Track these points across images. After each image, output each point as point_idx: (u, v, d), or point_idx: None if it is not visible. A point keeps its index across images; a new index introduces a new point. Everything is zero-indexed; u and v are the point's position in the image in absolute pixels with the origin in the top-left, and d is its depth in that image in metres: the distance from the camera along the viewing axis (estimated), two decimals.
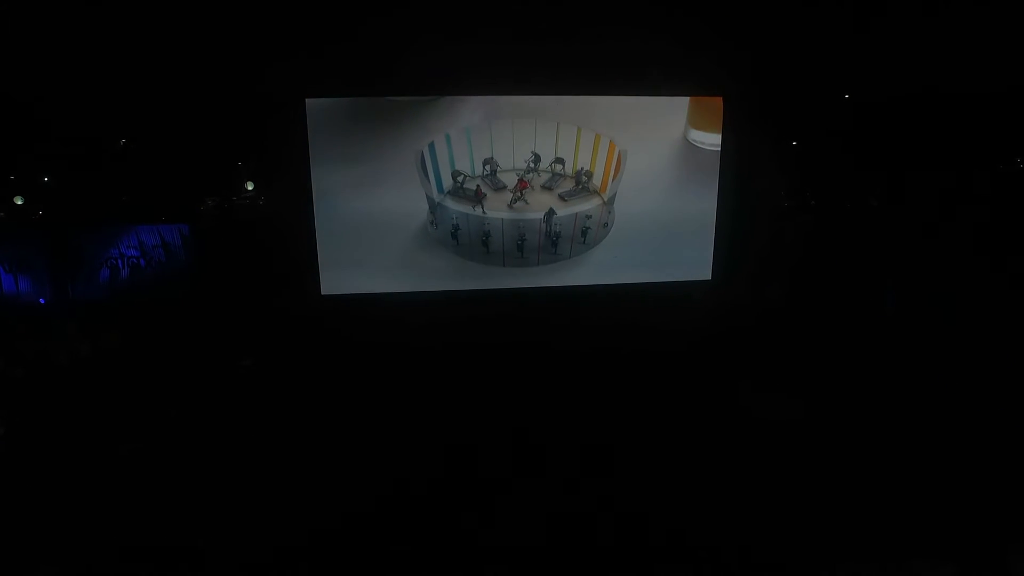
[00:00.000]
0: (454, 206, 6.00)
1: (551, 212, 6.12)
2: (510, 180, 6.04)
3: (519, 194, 6.05)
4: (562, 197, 6.14)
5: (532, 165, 6.04)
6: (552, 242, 6.20)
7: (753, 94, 5.71)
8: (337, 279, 5.94)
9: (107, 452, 5.12)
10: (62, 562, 3.98)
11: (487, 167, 6.00)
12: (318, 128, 5.49)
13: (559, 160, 6.03)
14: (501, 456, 4.87)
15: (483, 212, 6.04)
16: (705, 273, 6.44)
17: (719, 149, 5.99)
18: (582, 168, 6.08)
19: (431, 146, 5.75)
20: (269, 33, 5.30)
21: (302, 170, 5.44)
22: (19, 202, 15.58)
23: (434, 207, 5.95)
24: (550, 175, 6.08)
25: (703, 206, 6.25)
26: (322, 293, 5.91)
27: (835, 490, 4.40)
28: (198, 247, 8.51)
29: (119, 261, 9.59)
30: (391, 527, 4.19)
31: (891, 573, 3.85)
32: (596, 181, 6.15)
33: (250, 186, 8.05)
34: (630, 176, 6.12)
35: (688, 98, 5.85)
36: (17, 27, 5.86)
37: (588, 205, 6.18)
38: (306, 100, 5.42)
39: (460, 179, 5.99)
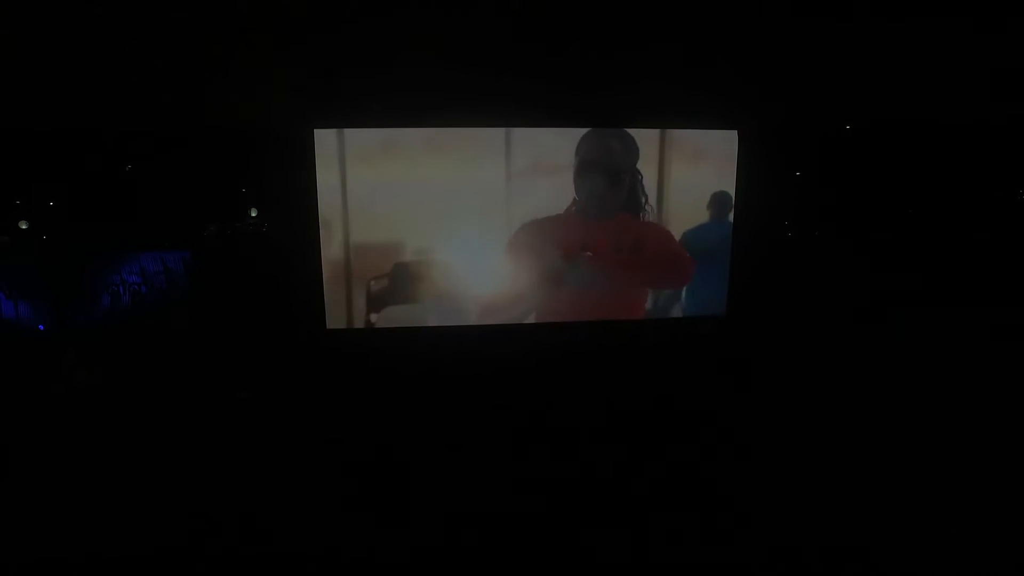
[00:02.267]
0: None
1: None
2: None
3: None
4: None
5: None
6: None
7: (768, 127, 5.63)
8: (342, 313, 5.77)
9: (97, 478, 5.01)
10: None
11: None
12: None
13: None
14: (501, 490, 4.74)
15: None
16: (719, 309, 6.28)
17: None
18: None
19: None
20: (278, 60, 5.25)
21: (310, 201, 5.33)
22: (24, 227, 15.65)
23: None
24: None
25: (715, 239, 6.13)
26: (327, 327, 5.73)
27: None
28: (200, 275, 8.42)
29: (120, 287, 9.51)
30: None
31: None
32: None
33: (253, 213, 8.00)
34: None
35: None
36: (22, 54, 5.84)
37: None
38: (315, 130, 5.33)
39: None
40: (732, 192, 5.78)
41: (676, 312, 6.15)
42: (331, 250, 5.64)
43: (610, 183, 5.55)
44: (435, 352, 5.82)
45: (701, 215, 5.94)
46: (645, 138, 5.61)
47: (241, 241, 7.98)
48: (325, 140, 5.31)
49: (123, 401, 6.88)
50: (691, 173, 5.68)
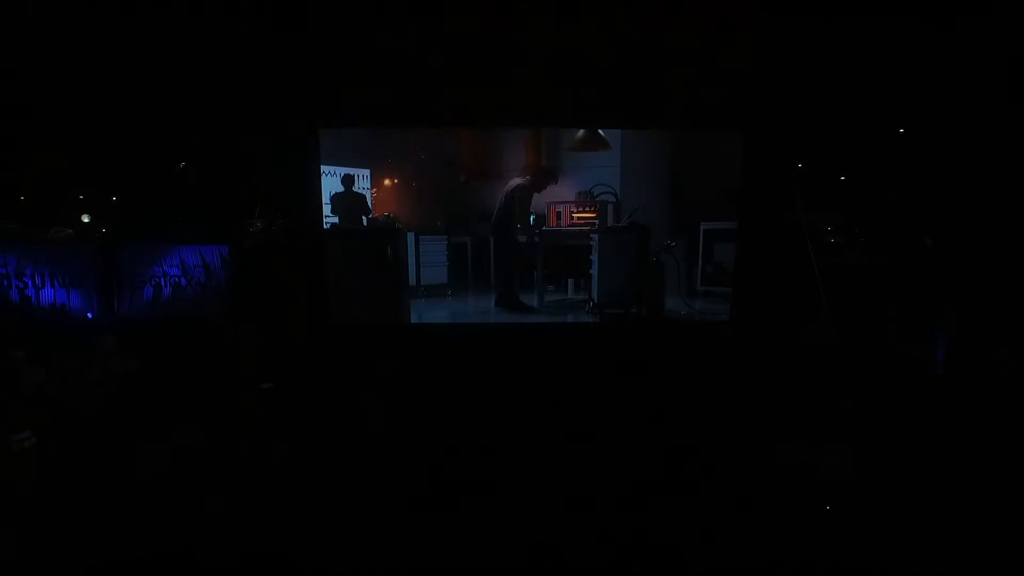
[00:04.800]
0: None
1: None
2: None
3: None
4: None
5: None
6: None
7: (773, 128, 5.50)
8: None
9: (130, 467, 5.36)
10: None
11: None
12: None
13: None
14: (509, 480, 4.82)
15: None
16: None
17: None
18: None
19: None
20: (288, 65, 5.45)
21: (314, 199, 5.50)
22: (86, 220, 16.66)
23: None
24: None
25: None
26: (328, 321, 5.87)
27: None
28: (236, 269, 8.80)
29: (162, 279, 10.07)
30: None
31: None
32: None
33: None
34: None
35: None
36: (86, 67, 6.32)
37: None
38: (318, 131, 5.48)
39: None
40: None
41: None
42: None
43: None
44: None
45: None
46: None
47: (277, 237, 8.31)
48: None
49: (156, 389, 7.29)
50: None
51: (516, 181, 6.08)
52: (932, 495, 4.85)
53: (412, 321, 6.00)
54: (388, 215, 6.83)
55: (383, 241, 6.18)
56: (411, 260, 6.22)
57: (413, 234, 6.40)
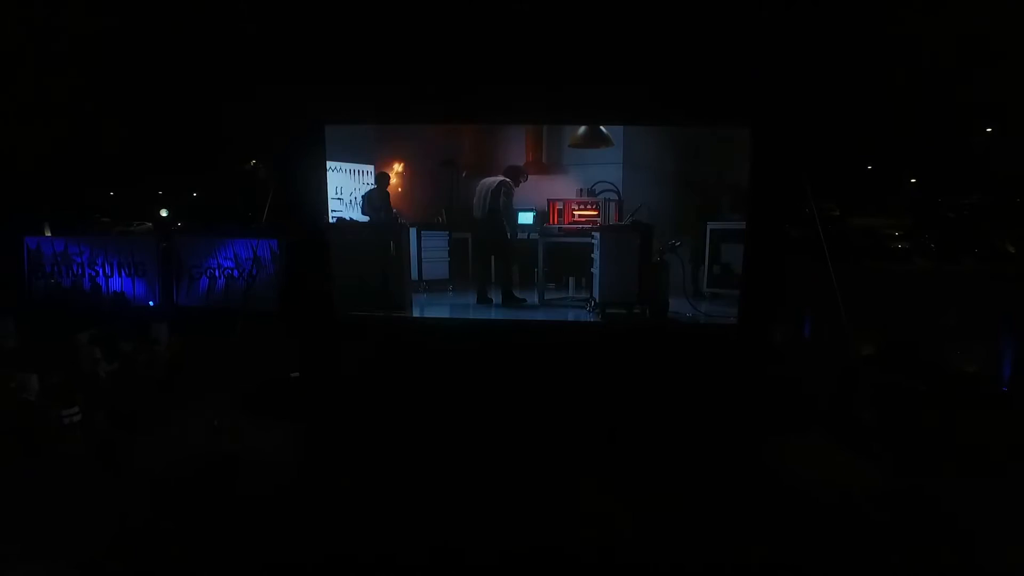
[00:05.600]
0: None
1: None
2: None
3: None
4: None
5: None
6: None
7: (781, 124, 5.18)
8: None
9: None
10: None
11: None
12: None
13: None
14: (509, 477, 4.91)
15: None
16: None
17: None
18: None
19: None
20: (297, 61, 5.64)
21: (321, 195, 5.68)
22: (164, 214, 18.07)
23: None
24: None
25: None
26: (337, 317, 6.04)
27: None
28: (287, 261, 9.18)
29: (216, 271, 10.77)
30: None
31: None
32: None
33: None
34: None
35: None
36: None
37: None
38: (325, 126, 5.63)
39: None
40: None
41: None
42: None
43: None
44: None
45: None
46: None
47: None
48: None
49: (197, 374, 7.83)
50: None
51: (496, 179, 6.02)
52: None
53: (414, 315, 6.10)
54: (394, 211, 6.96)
55: (387, 236, 6.32)
56: (412, 255, 6.34)
57: (415, 229, 6.52)
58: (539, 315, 6.11)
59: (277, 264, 9.62)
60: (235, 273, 10.48)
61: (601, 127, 5.81)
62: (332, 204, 6.28)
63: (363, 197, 7.44)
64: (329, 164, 5.67)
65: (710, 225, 5.93)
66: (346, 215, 7.13)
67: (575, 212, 6.10)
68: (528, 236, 6.34)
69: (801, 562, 4.16)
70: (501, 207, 6.05)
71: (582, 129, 5.84)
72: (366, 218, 7.09)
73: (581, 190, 6.16)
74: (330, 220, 6.09)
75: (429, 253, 6.50)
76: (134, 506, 4.95)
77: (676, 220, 5.96)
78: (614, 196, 6.07)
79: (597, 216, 6.09)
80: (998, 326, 7.07)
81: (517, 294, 6.34)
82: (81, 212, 14.85)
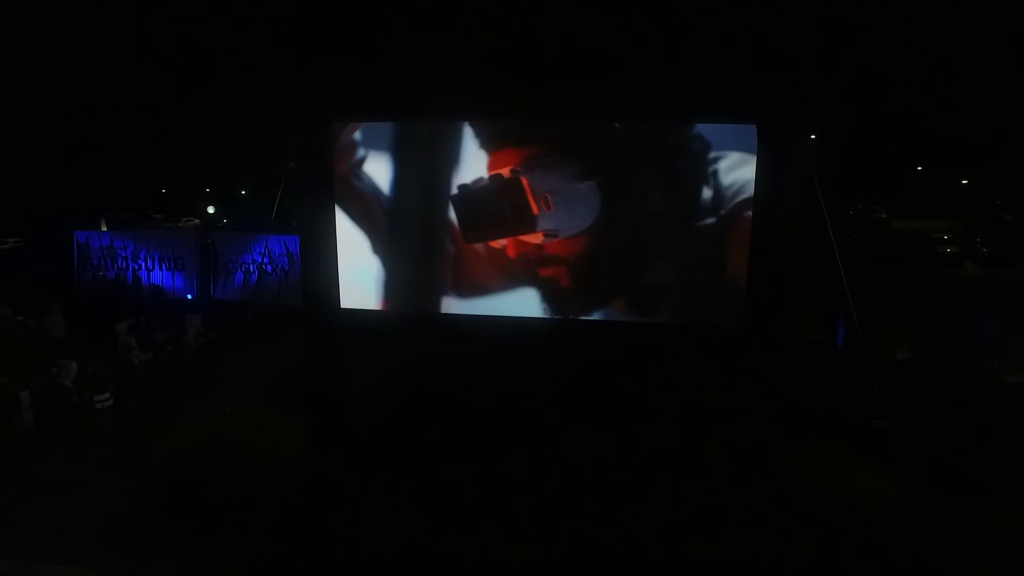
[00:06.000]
0: None
1: None
2: None
3: None
4: None
5: None
6: None
7: (788, 121, 4.97)
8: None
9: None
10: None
11: None
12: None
13: None
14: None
15: None
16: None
17: None
18: None
19: None
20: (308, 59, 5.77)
21: (327, 191, 5.75)
22: (211, 211, 18.77)
23: None
24: None
25: None
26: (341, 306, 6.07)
27: None
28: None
29: (251, 266, 11.15)
30: None
31: None
32: None
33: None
34: None
35: None
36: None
37: None
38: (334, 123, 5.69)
39: None
40: None
41: None
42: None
43: None
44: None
45: None
46: None
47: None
48: None
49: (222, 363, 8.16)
50: None
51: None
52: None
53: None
54: None
55: None
56: None
57: None
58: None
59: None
60: (268, 268, 10.86)
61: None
62: None
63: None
64: None
65: None
66: None
67: None
68: None
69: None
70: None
71: None
72: None
73: None
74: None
75: None
76: (150, 484, 5.30)
77: None
78: None
79: None
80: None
81: None
82: (135, 209, 15.68)
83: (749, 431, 5.22)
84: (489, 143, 5.62)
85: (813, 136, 5.42)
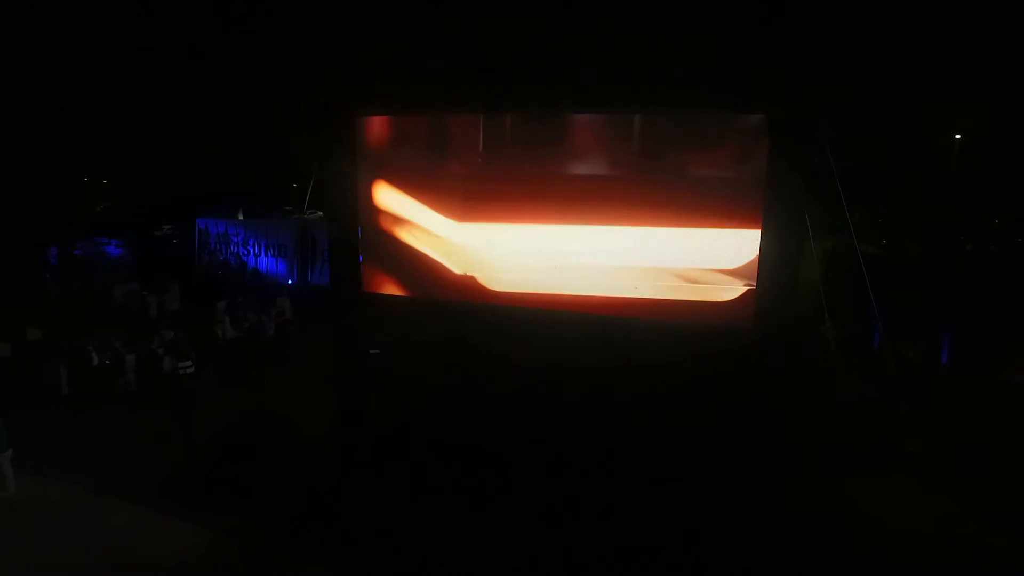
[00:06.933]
0: None
1: None
2: None
3: None
4: None
5: None
6: None
7: (799, 110, 4.21)
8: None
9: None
10: None
11: None
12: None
13: None
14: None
15: None
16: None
17: None
18: None
19: None
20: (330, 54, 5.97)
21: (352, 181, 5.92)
22: (288, 209, 19.92)
23: None
24: None
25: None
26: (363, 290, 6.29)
27: None
28: None
29: None
30: None
31: None
32: None
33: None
34: None
35: None
36: None
37: None
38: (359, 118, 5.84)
39: None
40: None
41: None
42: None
43: None
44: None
45: None
46: None
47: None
48: None
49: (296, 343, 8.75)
50: None
51: None
52: None
53: None
54: None
55: None
56: None
57: None
58: None
59: None
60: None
61: None
62: None
63: None
64: None
65: None
66: None
67: None
68: None
69: None
70: None
71: None
72: None
73: None
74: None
75: None
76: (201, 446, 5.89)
77: None
78: None
79: None
80: None
81: None
82: (268, 200, 17.25)
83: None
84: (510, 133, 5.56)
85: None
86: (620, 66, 5.08)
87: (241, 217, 14.04)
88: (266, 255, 11.40)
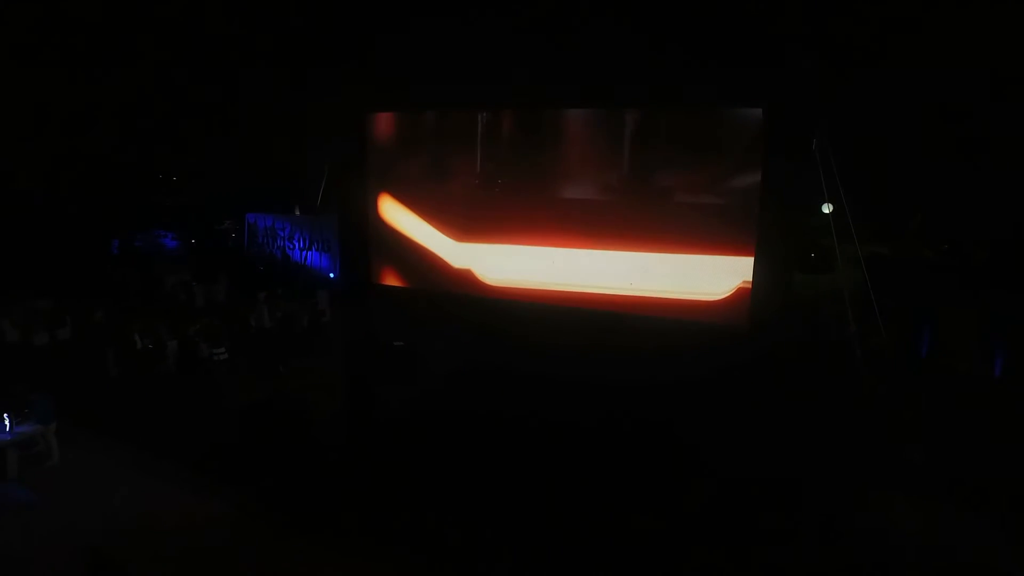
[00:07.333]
0: None
1: None
2: None
3: None
4: None
5: None
6: None
7: (797, 105, 3.90)
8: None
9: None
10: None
11: None
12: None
13: None
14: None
15: None
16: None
17: None
18: None
19: None
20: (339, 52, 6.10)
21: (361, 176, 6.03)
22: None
23: None
24: None
25: None
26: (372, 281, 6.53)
27: None
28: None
29: None
30: None
31: None
32: None
33: None
34: None
35: None
36: None
37: None
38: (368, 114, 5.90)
39: None
40: None
41: None
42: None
43: None
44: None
45: None
46: None
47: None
48: None
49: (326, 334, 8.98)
50: None
51: None
52: None
53: None
54: None
55: None
56: None
57: None
58: None
59: None
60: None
61: None
62: None
63: None
64: None
65: None
66: None
67: None
68: None
69: None
70: None
71: None
72: None
73: None
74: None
75: None
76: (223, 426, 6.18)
77: None
78: None
79: None
80: None
81: None
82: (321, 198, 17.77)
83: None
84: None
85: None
86: (619, 64, 5.00)
87: (298, 213, 14.55)
88: (311, 249, 11.75)
